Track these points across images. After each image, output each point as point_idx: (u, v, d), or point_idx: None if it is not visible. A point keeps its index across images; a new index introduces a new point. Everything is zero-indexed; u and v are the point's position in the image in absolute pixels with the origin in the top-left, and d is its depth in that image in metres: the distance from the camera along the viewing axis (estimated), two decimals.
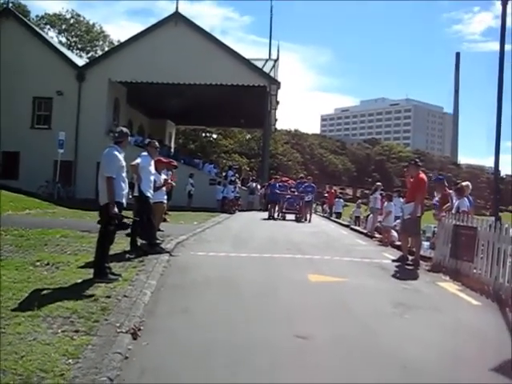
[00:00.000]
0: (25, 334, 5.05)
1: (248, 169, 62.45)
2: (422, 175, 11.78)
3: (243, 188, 32.45)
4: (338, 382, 4.64)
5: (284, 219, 24.26)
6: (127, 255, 9.72)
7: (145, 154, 10.67)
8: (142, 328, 5.66)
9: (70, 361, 4.52)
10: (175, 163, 14.34)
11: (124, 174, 8.02)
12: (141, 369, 4.62)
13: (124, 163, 8.01)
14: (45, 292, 6.68)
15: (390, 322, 6.63)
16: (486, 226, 9.50)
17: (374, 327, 6.35)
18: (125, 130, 8.41)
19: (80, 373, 4.29)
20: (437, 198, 12.48)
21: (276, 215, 25.09)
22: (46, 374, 4.22)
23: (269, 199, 26.80)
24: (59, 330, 5.28)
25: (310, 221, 24.34)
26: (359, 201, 37.69)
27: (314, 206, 30.15)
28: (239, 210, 28.92)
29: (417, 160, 13.38)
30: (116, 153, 7.88)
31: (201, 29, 33.00)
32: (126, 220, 8.28)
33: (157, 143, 11.31)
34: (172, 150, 43.01)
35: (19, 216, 16.93)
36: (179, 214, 20.33)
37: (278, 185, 26.42)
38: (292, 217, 24.45)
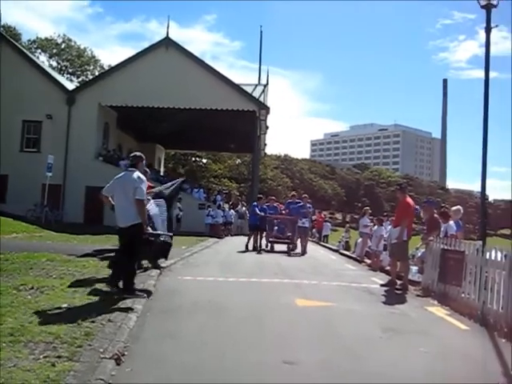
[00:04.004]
0: (5, 360, 4.92)
1: (238, 193, 62.34)
2: (409, 199, 11.83)
3: (233, 212, 32.40)
4: None
5: (271, 250, 19.72)
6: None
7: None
8: (126, 353, 5.56)
9: None
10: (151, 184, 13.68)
11: (146, 196, 8.68)
12: None
13: None
14: (28, 317, 6.55)
15: (378, 347, 6.57)
16: (473, 250, 9.50)
17: (361, 352, 6.28)
18: (138, 153, 8.99)
19: None
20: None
21: (258, 245, 19.77)
22: None
23: (250, 225, 20.81)
24: (41, 356, 5.15)
25: (304, 252, 19.30)
26: (348, 225, 37.72)
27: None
28: (230, 235, 28.86)
29: (403, 184, 13.43)
30: (142, 176, 8.49)
31: (191, 54, 33.26)
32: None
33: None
34: (161, 174, 43.02)
35: (6, 239, 16.72)
36: None
37: (263, 207, 20.46)
38: (283, 247, 19.58)
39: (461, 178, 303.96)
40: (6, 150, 30.49)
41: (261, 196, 22.31)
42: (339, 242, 31.92)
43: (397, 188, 12.31)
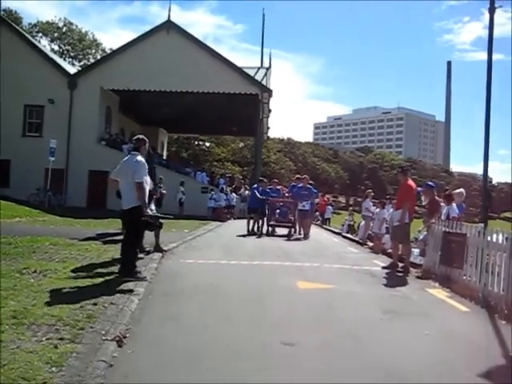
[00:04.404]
0: (8, 342, 4.97)
1: (241, 177, 62.30)
2: (410, 182, 11.82)
3: (236, 196, 32.44)
4: None
5: (272, 234, 19.00)
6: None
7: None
8: (127, 335, 5.61)
9: (54, 369, 4.45)
10: None
11: (147, 179, 8.76)
12: (125, 376, 4.57)
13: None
14: (30, 299, 6.60)
15: (378, 329, 6.62)
16: (475, 232, 9.51)
17: (361, 334, 6.32)
18: (142, 136, 9.12)
19: (63, 381, 4.24)
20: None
21: (258, 230, 19.07)
22: (28, 383, 4.16)
23: (248, 207, 20.22)
24: (44, 338, 5.21)
25: (307, 236, 18.47)
26: (351, 208, 37.75)
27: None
28: (232, 218, 28.91)
29: (404, 167, 13.43)
30: (142, 159, 8.60)
31: (193, 37, 33.07)
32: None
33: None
34: (164, 157, 43.02)
35: (9, 224, 16.79)
36: (171, 222, 20.17)
37: (266, 190, 19.66)
38: (285, 231, 19.08)
39: (464, 161, 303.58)
40: (9, 135, 30.55)
41: (262, 178, 21.60)
42: (342, 225, 31.97)
43: (399, 171, 12.30)
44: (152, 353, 5.27)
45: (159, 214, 9.91)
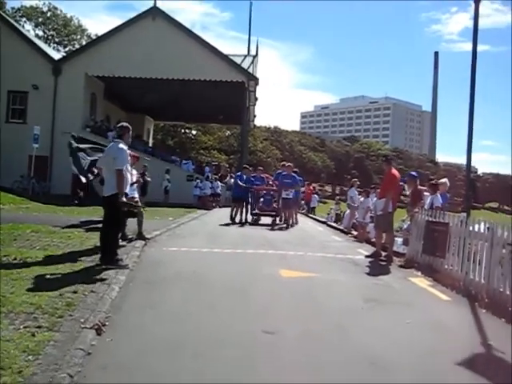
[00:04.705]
0: None
1: (227, 165, 62.15)
2: (394, 171, 11.83)
3: (221, 184, 32.36)
4: (302, 377, 4.60)
5: (256, 223, 18.84)
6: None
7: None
8: (107, 324, 5.56)
9: (30, 357, 4.40)
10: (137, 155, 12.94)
11: (128, 167, 8.73)
12: (103, 365, 4.53)
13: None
14: (9, 287, 6.52)
15: (359, 318, 6.63)
16: (457, 221, 9.55)
17: (342, 322, 6.32)
18: (126, 124, 9.03)
19: (39, 369, 4.18)
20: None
21: (243, 218, 18.85)
22: (3, 371, 4.09)
23: (232, 196, 20.04)
24: (21, 326, 5.14)
25: (291, 225, 18.31)
26: (338, 197, 37.79)
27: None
28: (218, 207, 28.85)
29: (389, 156, 13.45)
30: (124, 146, 8.54)
31: (179, 23, 32.76)
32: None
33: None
34: (150, 145, 42.80)
35: None
36: (155, 210, 20.16)
37: (250, 178, 19.31)
38: (269, 220, 18.66)
39: (450, 151, 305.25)
40: None
41: (246, 166, 21.22)
42: (328, 213, 32.00)
43: (383, 160, 12.30)
44: (131, 341, 5.24)
45: (132, 203, 9.69)
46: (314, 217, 27.93)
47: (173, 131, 70.55)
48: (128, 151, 8.91)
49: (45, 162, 29.96)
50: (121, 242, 10.17)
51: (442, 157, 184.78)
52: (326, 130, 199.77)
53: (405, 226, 13.11)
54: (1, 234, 10.64)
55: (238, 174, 20.56)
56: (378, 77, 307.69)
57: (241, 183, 18.85)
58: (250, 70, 33.18)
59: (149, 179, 23.25)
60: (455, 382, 4.80)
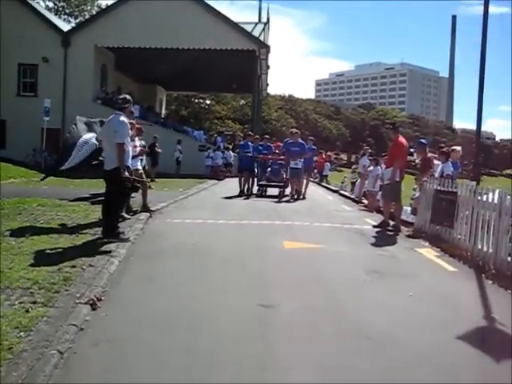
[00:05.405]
0: None
1: (242, 135, 61.80)
2: (401, 139, 11.56)
3: (234, 154, 32.21)
4: (293, 351, 4.53)
5: (263, 195, 17.87)
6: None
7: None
8: (102, 298, 5.53)
9: (22, 334, 4.39)
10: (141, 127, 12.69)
11: (129, 140, 8.63)
12: (95, 341, 4.50)
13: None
14: (8, 262, 6.51)
15: (360, 290, 6.51)
16: (465, 190, 9.34)
17: (341, 295, 6.25)
18: (128, 97, 8.87)
19: (29, 346, 4.16)
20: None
21: (249, 190, 17.85)
22: None
23: (239, 166, 18.71)
24: (16, 302, 5.14)
25: (299, 195, 17.37)
26: (354, 166, 37.35)
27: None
28: (229, 177, 28.75)
29: (395, 123, 13.17)
30: (125, 119, 8.39)
31: None
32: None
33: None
34: (162, 116, 42.66)
35: (1, 185, 16.66)
36: (166, 181, 20.20)
37: (257, 147, 18.31)
38: (276, 191, 17.46)
39: (468, 118, 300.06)
40: (3, 95, 30.11)
41: (250, 133, 20.28)
42: (342, 182, 31.73)
43: (389, 127, 12.05)
44: (126, 315, 5.22)
45: (136, 178, 9.52)
46: (326, 185, 27.72)
47: (186, 101, 70.16)
48: (129, 122, 8.86)
49: (57, 135, 29.95)
50: (126, 216, 10.17)
51: (459, 123, 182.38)
52: (342, 98, 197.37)
53: (416, 195, 12.89)
54: (6, 208, 10.66)
55: (242, 142, 19.52)
56: (393, 43, 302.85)
57: (249, 153, 17.88)
58: (262, 38, 32.67)
59: (159, 150, 23.28)
60: (453, 356, 4.64)
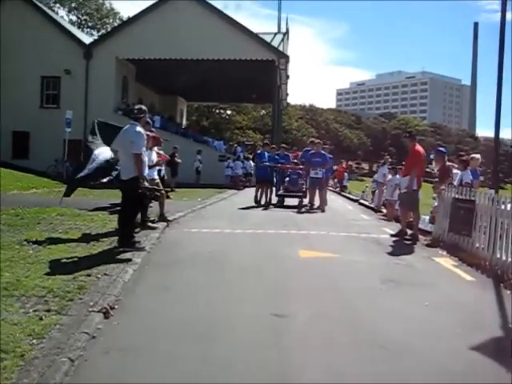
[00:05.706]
0: None
1: (262, 145, 61.99)
2: (419, 147, 11.45)
3: (253, 164, 32.28)
4: (308, 360, 4.50)
5: (281, 205, 17.17)
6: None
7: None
8: (116, 307, 5.56)
9: (35, 341, 4.44)
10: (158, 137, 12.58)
11: (145, 150, 8.70)
12: (106, 348, 4.52)
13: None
14: (25, 271, 6.59)
15: (376, 299, 6.44)
16: (484, 199, 9.21)
17: (357, 304, 6.19)
18: (143, 107, 9.01)
19: (41, 353, 4.21)
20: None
21: (267, 200, 17.33)
22: (5, 355, 4.12)
23: (256, 176, 18.59)
24: (31, 310, 5.20)
25: (322, 206, 16.67)
26: (376, 175, 37.13)
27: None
28: (249, 186, 28.80)
29: (412, 131, 13.04)
30: (141, 129, 8.50)
31: (208, 3, 32.57)
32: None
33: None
34: (183, 126, 42.95)
35: (23, 195, 16.93)
36: (185, 191, 20.32)
37: (274, 156, 18.02)
38: (295, 202, 16.93)
39: (491, 125, 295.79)
40: (27, 107, 30.80)
41: (267, 142, 20.15)
42: (363, 191, 31.57)
43: (406, 136, 11.96)
44: (139, 324, 5.23)
45: (154, 187, 9.77)
46: (346, 195, 27.63)
47: (207, 112, 70.58)
48: (146, 133, 8.95)
49: (78, 146, 30.31)
50: (151, 224, 10.36)
51: (481, 131, 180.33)
52: (363, 107, 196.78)
53: (435, 204, 12.77)
54: (26, 217, 10.80)
55: (259, 151, 19.26)
56: (414, 51, 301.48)
57: (266, 162, 17.50)
58: (281, 48, 32.87)
59: (179, 160, 23.45)
60: (469, 366, 4.57)
